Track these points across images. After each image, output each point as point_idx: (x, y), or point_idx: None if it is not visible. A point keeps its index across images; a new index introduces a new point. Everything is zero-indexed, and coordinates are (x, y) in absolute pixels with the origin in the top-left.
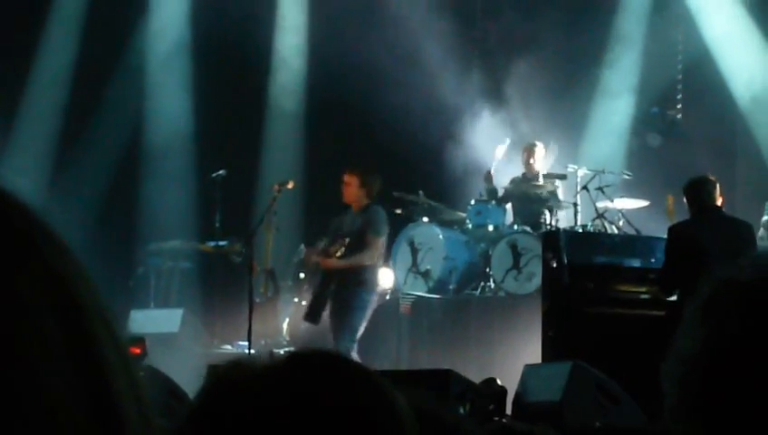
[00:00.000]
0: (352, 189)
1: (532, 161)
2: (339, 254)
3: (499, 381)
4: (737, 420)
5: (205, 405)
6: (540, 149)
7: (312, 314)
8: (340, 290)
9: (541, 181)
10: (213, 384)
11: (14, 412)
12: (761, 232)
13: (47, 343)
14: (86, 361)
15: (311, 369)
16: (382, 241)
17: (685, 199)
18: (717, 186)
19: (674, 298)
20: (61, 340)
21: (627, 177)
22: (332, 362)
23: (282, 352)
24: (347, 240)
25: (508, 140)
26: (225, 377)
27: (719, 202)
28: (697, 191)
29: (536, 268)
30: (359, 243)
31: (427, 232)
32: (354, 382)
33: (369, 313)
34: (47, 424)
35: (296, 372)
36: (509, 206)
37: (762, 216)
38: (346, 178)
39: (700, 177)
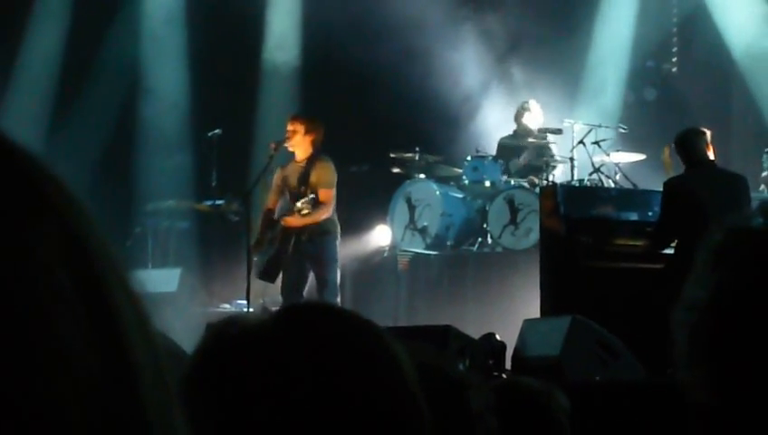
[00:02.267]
0: (298, 136)
1: (525, 118)
2: (306, 211)
3: (498, 337)
4: (747, 367)
5: (203, 362)
6: (534, 107)
7: (270, 273)
8: (304, 245)
9: (536, 136)
10: (210, 341)
11: (29, 365)
12: (761, 187)
13: (61, 299)
14: (100, 316)
15: (307, 321)
16: (334, 192)
17: (677, 151)
18: (708, 138)
19: (669, 251)
20: (75, 296)
21: (623, 130)
22: (329, 313)
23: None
24: (311, 197)
25: None
26: (222, 333)
27: (711, 154)
28: (689, 144)
29: (533, 223)
30: (314, 201)
31: (424, 188)
32: (352, 332)
33: (339, 262)
34: (61, 376)
35: (292, 324)
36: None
37: (759, 168)
38: (290, 126)
39: (690, 129)
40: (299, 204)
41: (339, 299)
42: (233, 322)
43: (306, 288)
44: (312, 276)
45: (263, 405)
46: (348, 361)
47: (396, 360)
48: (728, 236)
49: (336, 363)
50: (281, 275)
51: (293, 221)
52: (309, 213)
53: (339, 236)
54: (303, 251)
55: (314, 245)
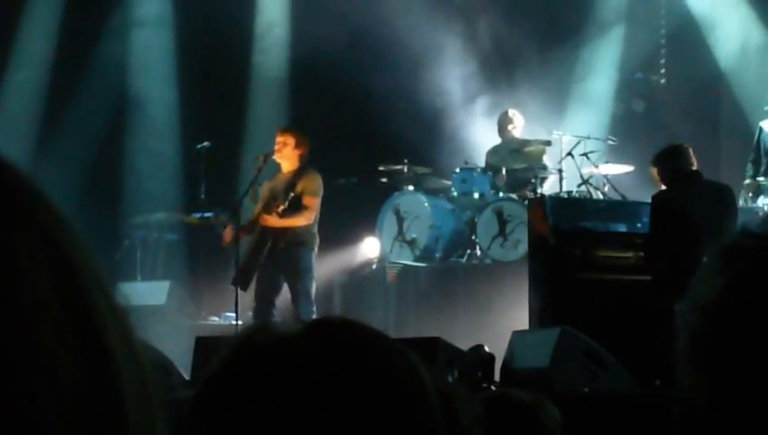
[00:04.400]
0: (288, 149)
1: (509, 129)
2: (280, 209)
3: (487, 348)
4: (748, 371)
5: (229, 367)
6: (516, 116)
7: (243, 280)
8: (281, 254)
9: (525, 148)
10: (237, 347)
11: (15, 374)
12: (742, 194)
13: (45, 309)
14: (84, 327)
15: (337, 335)
16: (318, 202)
17: (660, 169)
18: (691, 151)
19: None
20: (58, 306)
21: (611, 142)
22: (358, 329)
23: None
24: (291, 195)
25: None
26: (251, 341)
27: (695, 166)
28: (674, 158)
29: (522, 235)
30: (296, 204)
31: (413, 200)
32: (379, 348)
33: (314, 272)
34: (44, 385)
35: (323, 338)
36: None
37: (744, 179)
38: (281, 138)
39: (673, 145)
40: (276, 203)
41: (314, 309)
42: (262, 330)
43: (279, 298)
44: (285, 287)
45: (288, 415)
46: (378, 378)
47: (421, 378)
48: (742, 239)
49: (366, 380)
50: (254, 283)
51: (272, 220)
52: (285, 211)
53: (315, 249)
54: (278, 261)
55: (289, 254)
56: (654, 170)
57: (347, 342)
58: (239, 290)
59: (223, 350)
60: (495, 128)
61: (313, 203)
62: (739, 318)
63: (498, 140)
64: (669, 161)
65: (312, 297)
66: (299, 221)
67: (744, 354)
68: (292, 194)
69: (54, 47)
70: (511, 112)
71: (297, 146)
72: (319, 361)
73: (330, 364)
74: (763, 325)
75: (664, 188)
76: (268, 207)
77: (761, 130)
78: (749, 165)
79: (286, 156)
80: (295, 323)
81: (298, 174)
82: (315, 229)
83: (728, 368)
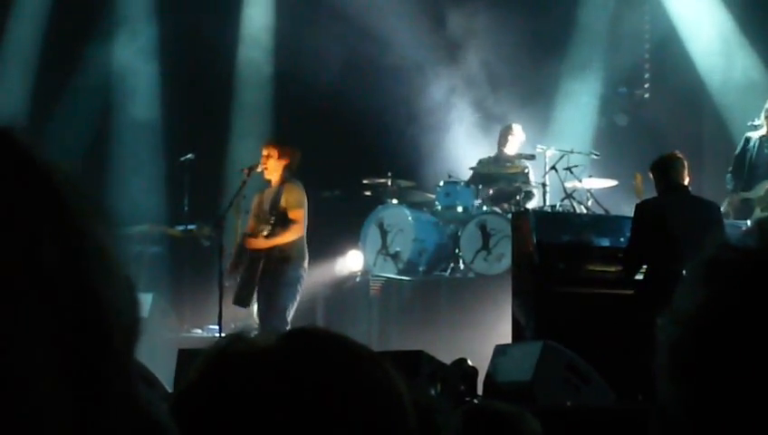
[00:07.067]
0: (272, 161)
1: (508, 141)
2: (265, 233)
3: (470, 362)
4: (727, 386)
5: (203, 378)
6: (517, 130)
7: (242, 298)
8: (266, 269)
9: (511, 162)
10: (212, 358)
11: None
12: (724, 207)
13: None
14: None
15: (312, 345)
16: (303, 212)
17: (651, 176)
18: (686, 164)
19: (639, 277)
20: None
21: (595, 156)
22: (334, 340)
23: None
24: (272, 219)
25: None
26: (225, 352)
27: (687, 181)
28: (666, 169)
29: (506, 249)
30: (282, 220)
31: (397, 214)
32: (354, 358)
33: (298, 289)
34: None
35: (297, 347)
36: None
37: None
38: (265, 151)
39: (669, 154)
40: (259, 227)
41: (288, 327)
42: (237, 341)
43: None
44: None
45: (262, 425)
46: (352, 388)
47: (396, 387)
48: (723, 252)
49: (339, 389)
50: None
51: (256, 243)
52: (270, 234)
53: (303, 264)
54: (262, 276)
55: (273, 269)
56: (637, 180)
57: (321, 352)
58: (224, 305)
59: (198, 361)
60: (479, 142)
61: (299, 215)
62: (718, 331)
63: (487, 153)
64: (658, 171)
65: (286, 314)
66: (287, 237)
67: (723, 368)
68: (273, 218)
69: (39, 58)
70: (514, 127)
71: (280, 157)
72: (292, 371)
73: (303, 375)
74: (741, 339)
75: (650, 197)
76: (255, 229)
77: (747, 140)
78: (728, 176)
79: (271, 168)
80: (270, 334)
81: (281, 188)
82: (302, 244)
83: (707, 381)
